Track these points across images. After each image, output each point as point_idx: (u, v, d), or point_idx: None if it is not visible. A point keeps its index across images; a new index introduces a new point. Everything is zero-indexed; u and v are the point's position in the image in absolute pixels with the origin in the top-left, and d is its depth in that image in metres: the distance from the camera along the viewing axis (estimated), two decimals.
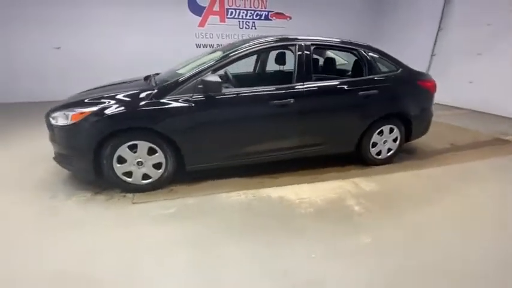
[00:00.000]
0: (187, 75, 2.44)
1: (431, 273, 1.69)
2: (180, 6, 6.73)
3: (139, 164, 2.40)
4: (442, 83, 6.22)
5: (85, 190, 2.51)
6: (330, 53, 3.63)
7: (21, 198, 2.40)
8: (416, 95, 3.17)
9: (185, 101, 2.37)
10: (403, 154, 3.43)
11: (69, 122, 2.28)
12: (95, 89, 2.86)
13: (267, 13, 7.45)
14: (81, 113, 2.26)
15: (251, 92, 2.59)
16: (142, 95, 2.38)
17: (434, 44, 6.82)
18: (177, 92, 2.38)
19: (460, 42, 6.30)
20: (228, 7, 7.10)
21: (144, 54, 6.37)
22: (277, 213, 2.25)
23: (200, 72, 2.44)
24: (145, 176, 2.47)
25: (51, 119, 2.41)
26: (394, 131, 3.09)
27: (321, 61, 3.63)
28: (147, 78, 2.94)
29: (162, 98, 2.36)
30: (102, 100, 2.36)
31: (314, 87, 2.71)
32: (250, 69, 3.92)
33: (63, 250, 1.83)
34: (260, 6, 7.34)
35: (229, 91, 2.55)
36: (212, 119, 2.47)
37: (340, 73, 3.46)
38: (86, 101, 2.43)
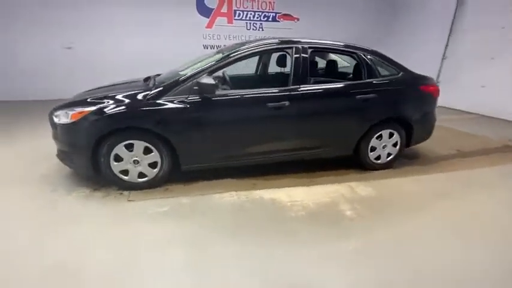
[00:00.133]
0: (183, 77, 2.49)
1: (418, 282, 1.66)
2: (189, 7, 6.84)
3: (136, 162, 2.46)
4: (453, 87, 6.09)
5: (84, 186, 2.60)
6: (332, 56, 3.61)
7: (24, 192, 2.50)
8: (418, 99, 3.11)
9: (180, 102, 2.42)
10: (405, 159, 3.36)
11: (69, 120, 2.37)
12: (98, 88, 2.94)
13: (274, 14, 7.46)
14: (81, 112, 2.35)
15: (246, 94, 2.61)
16: (140, 95, 2.44)
17: (446, 47, 6.65)
18: (173, 93, 2.43)
19: (472, 45, 6.12)
20: (236, 8, 7.16)
21: (152, 54, 6.47)
22: (269, 215, 2.26)
23: (196, 74, 2.48)
24: (141, 175, 2.53)
25: (54, 117, 2.51)
26: (394, 135, 3.03)
27: (322, 64, 3.60)
28: (147, 79, 3.00)
29: (158, 99, 2.41)
30: (102, 100, 2.44)
31: (310, 90, 2.70)
32: (253, 71, 3.93)
33: (63, 244, 1.90)
34: (268, 8, 7.36)
35: (225, 93, 2.57)
36: (207, 120, 2.50)
37: (341, 76, 3.42)
38: (88, 100, 2.51)
